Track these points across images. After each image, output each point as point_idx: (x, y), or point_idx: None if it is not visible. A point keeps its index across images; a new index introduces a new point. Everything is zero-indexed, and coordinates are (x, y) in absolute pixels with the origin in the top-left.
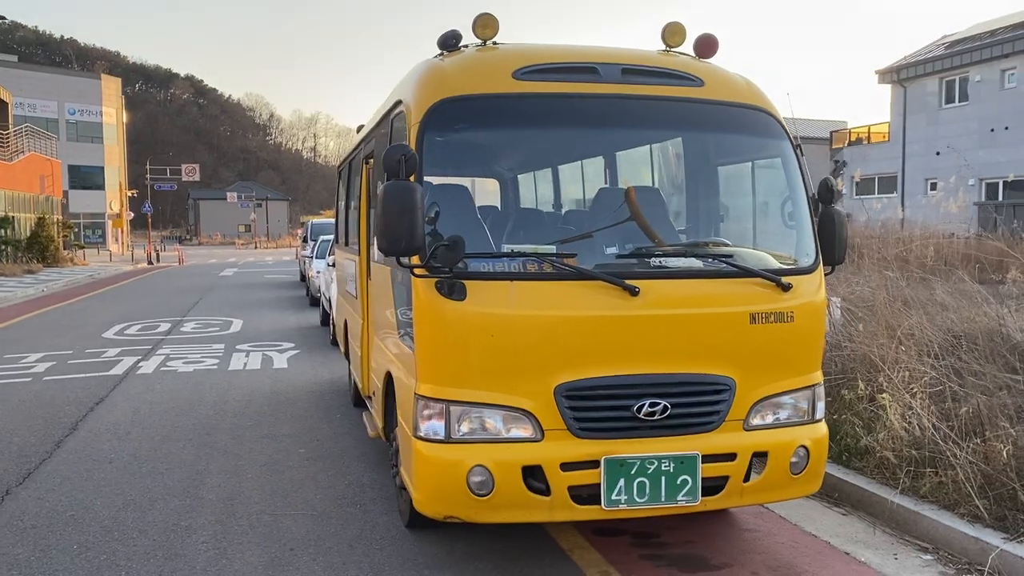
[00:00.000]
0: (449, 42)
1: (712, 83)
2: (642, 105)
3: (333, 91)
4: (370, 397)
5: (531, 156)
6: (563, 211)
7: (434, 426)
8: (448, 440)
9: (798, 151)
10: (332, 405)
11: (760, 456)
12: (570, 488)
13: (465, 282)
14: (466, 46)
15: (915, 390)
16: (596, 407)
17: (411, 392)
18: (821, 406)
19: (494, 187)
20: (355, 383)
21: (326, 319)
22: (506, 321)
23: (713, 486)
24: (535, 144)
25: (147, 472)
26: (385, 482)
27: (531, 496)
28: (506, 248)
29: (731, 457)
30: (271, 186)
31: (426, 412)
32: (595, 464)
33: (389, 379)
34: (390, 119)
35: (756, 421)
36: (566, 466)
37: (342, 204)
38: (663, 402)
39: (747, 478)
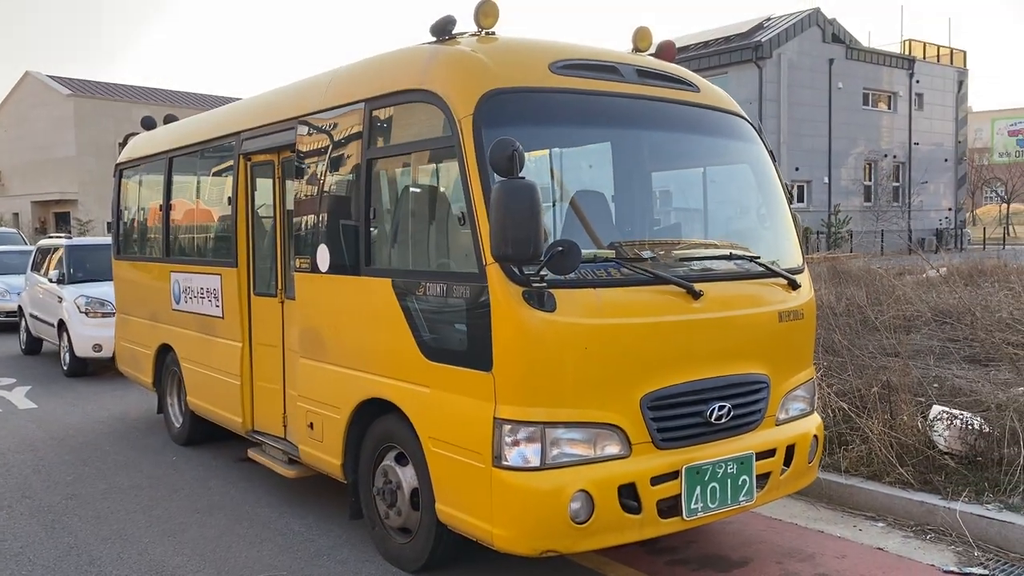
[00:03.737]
0: (446, 28)
1: (704, 89)
2: (665, 107)
3: None
4: (264, 433)
5: (569, 152)
6: (611, 210)
7: (524, 452)
8: (543, 467)
9: (773, 157)
10: (152, 444)
11: (789, 449)
12: (658, 502)
13: (553, 291)
14: (462, 34)
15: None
16: (676, 415)
17: (479, 417)
18: (815, 397)
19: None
20: (184, 418)
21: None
22: (598, 332)
23: (760, 483)
24: (574, 140)
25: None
26: (333, 525)
27: (625, 516)
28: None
29: (772, 453)
30: None
31: (514, 437)
32: (676, 475)
33: (368, 408)
34: (367, 110)
35: (782, 416)
36: (655, 480)
37: (146, 210)
38: (728, 404)
39: (782, 471)
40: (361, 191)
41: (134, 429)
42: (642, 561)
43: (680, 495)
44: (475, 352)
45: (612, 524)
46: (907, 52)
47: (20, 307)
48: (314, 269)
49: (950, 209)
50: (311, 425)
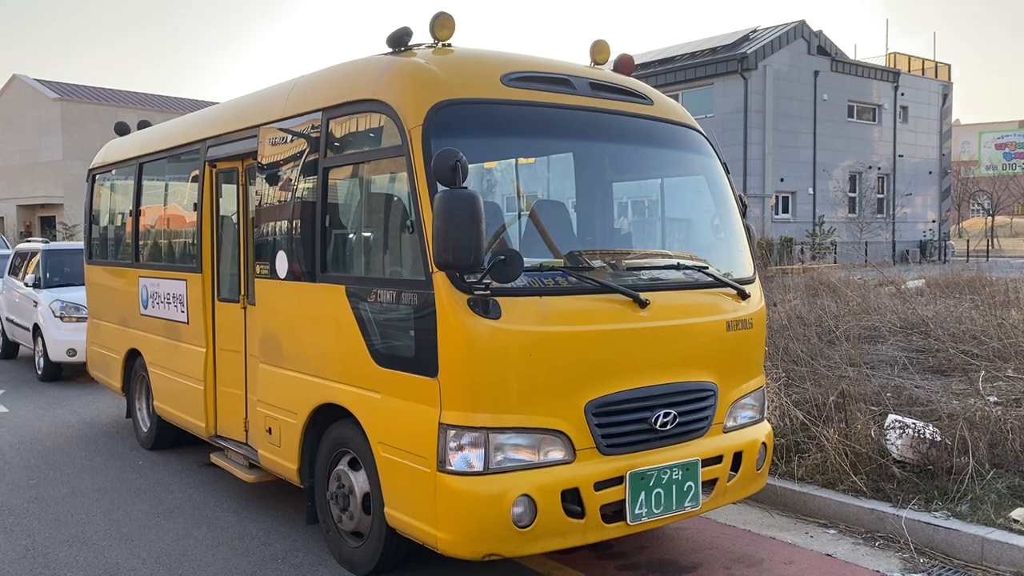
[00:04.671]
0: (402, 40)
1: (658, 103)
2: (617, 119)
3: None
4: (226, 438)
5: (522, 164)
6: (565, 220)
7: (468, 457)
8: (486, 471)
9: (726, 169)
10: (119, 449)
11: (736, 456)
12: (601, 507)
13: (499, 299)
14: (418, 45)
15: (774, 387)
16: (621, 422)
17: (425, 422)
18: (765, 405)
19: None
20: (151, 423)
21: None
22: (543, 339)
23: (706, 489)
24: (523, 152)
25: None
26: (290, 530)
27: (568, 521)
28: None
29: (719, 460)
30: None
31: (457, 443)
32: (620, 480)
33: (323, 413)
34: (324, 119)
35: (730, 423)
36: (598, 485)
37: (116, 215)
38: (673, 411)
39: (729, 478)
40: (317, 199)
41: (103, 433)
42: (592, 566)
43: (624, 500)
44: (422, 358)
45: (555, 528)
46: (892, 65)
47: None
48: (273, 275)
49: (934, 221)
50: (269, 430)
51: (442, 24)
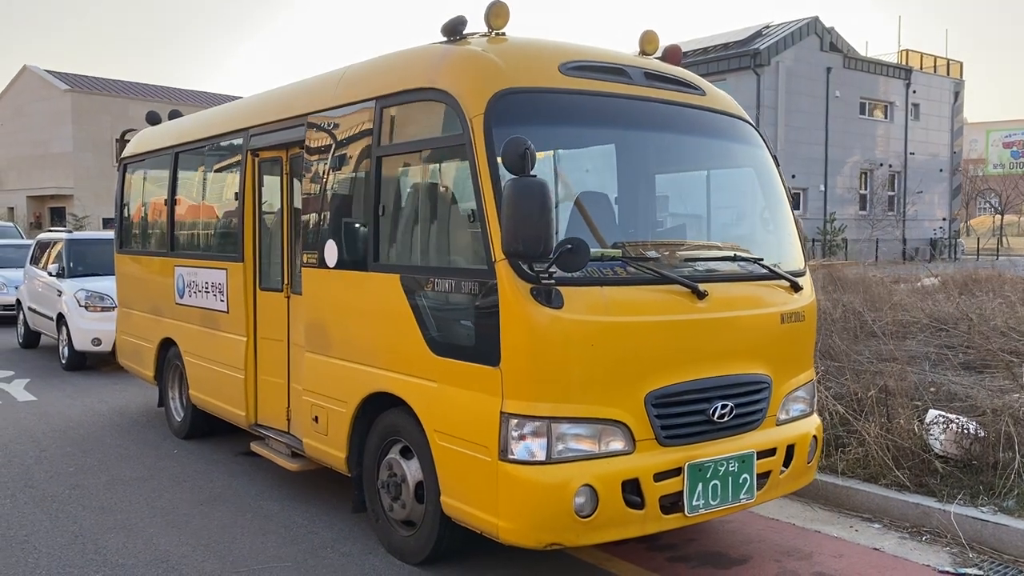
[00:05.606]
0: (457, 28)
1: (710, 93)
2: (672, 110)
3: None
4: (267, 427)
5: (577, 153)
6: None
7: (530, 446)
8: (549, 461)
9: (776, 161)
10: (152, 438)
11: (789, 449)
12: (660, 498)
13: (561, 289)
14: (472, 34)
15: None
16: (680, 413)
17: (486, 411)
18: (815, 398)
19: None
20: (186, 412)
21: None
22: (604, 329)
23: (760, 482)
24: (582, 141)
25: (2, 544)
26: (335, 519)
27: (628, 512)
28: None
29: (772, 452)
30: None
31: (519, 432)
32: (678, 472)
33: (373, 402)
34: (378, 107)
35: (782, 416)
36: (657, 476)
37: (150, 204)
38: (730, 403)
39: (781, 471)
40: (371, 188)
41: (135, 422)
42: (643, 557)
43: (682, 492)
44: (483, 347)
45: (615, 519)
46: (904, 62)
47: (18, 300)
48: (322, 264)
49: (944, 219)
50: (316, 419)
51: (497, 13)
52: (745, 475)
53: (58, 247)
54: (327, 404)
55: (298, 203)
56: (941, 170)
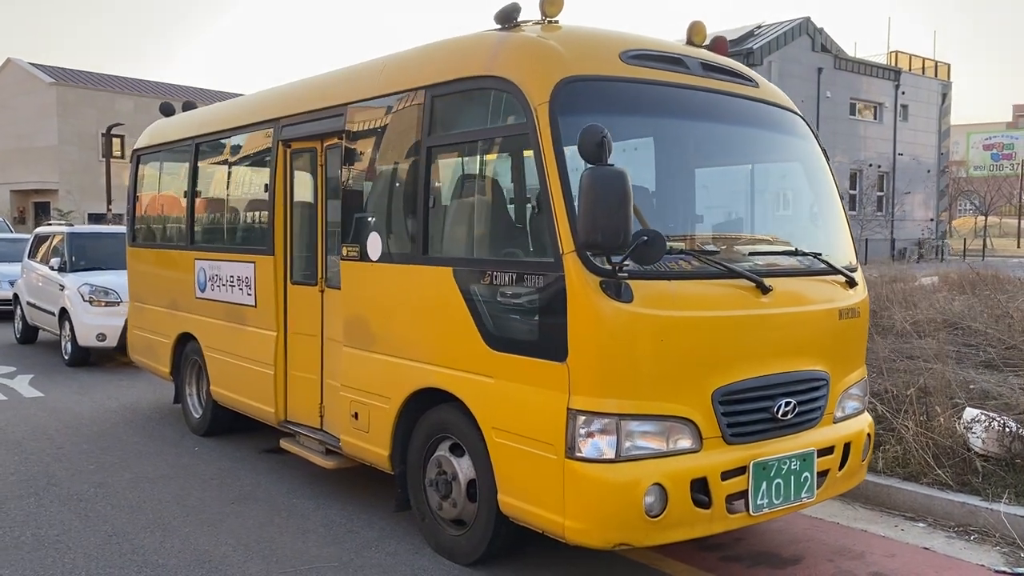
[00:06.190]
0: (511, 16)
1: (763, 85)
2: (730, 101)
3: None
4: (298, 423)
5: (637, 143)
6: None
7: (599, 444)
8: (618, 459)
9: (826, 155)
10: (169, 435)
11: (846, 447)
12: (727, 497)
13: (630, 282)
14: (526, 22)
15: None
16: (746, 410)
17: (551, 407)
18: (867, 396)
19: None
20: (205, 408)
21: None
22: (673, 324)
23: (819, 480)
24: (641, 131)
25: (35, 544)
26: (375, 517)
27: (696, 511)
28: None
29: (831, 451)
30: None
31: (587, 429)
32: (743, 470)
33: (418, 398)
34: (428, 96)
35: (839, 414)
36: (724, 475)
37: (167, 197)
38: (793, 400)
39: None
40: (419, 179)
41: (148, 419)
42: (695, 557)
43: (747, 491)
44: (547, 342)
45: (684, 519)
46: (893, 63)
47: (15, 295)
48: (364, 258)
49: (932, 220)
50: (356, 415)
51: (552, 1)
52: (806, 474)
53: (56, 241)
54: (369, 400)
55: (334, 195)
56: (928, 171)
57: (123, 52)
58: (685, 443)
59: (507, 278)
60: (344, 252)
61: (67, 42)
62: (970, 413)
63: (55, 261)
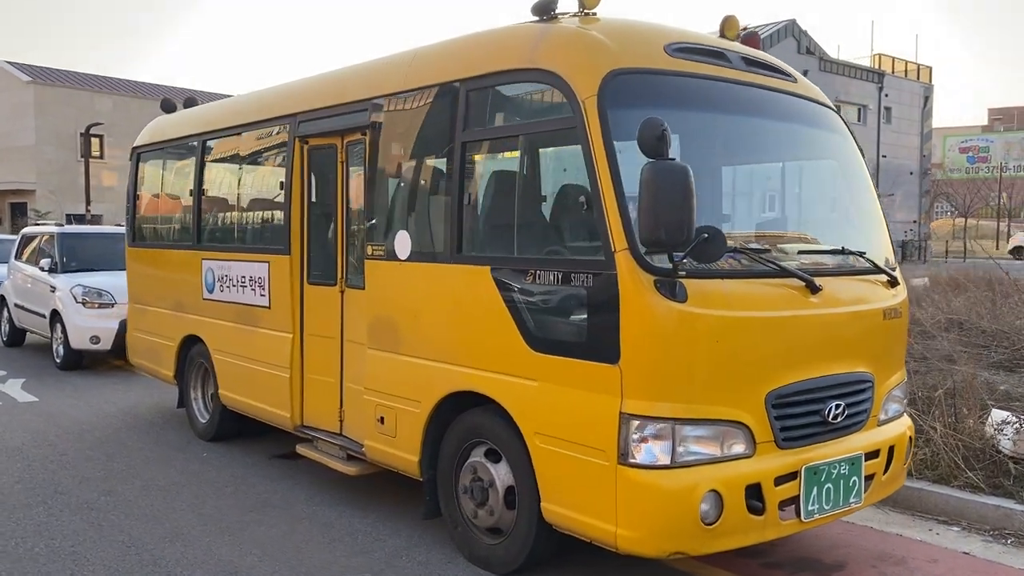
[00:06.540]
0: (549, 7)
1: (800, 81)
2: (772, 96)
3: None
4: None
5: (682, 137)
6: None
7: (653, 450)
8: (673, 465)
9: (861, 151)
10: (174, 440)
11: (890, 450)
12: (779, 504)
13: (684, 281)
14: (564, 14)
15: None
16: (798, 414)
17: (601, 411)
18: (907, 398)
19: None
20: (212, 413)
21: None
22: (728, 324)
23: (866, 484)
24: (685, 125)
25: (50, 555)
26: (401, 525)
27: (750, 518)
28: None
29: (877, 454)
30: None
31: (641, 434)
32: (794, 475)
33: (449, 402)
34: (463, 90)
35: (883, 416)
36: (777, 480)
37: (171, 195)
38: (843, 403)
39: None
40: (453, 175)
41: (150, 424)
42: (736, 564)
43: (798, 496)
44: (598, 344)
45: (738, 526)
46: (877, 66)
47: (2, 297)
48: (391, 257)
49: (914, 221)
50: (381, 420)
51: None
52: (855, 478)
53: (44, 241)
54: (396, 404)
55: (355, 193)
56: (911, 173)
57: (102, 51)
58: (739, 448)
59: (552, 277)
60: (369, 251)
61: (45, 40)
62: (999, 415)
63: (45, 262)
